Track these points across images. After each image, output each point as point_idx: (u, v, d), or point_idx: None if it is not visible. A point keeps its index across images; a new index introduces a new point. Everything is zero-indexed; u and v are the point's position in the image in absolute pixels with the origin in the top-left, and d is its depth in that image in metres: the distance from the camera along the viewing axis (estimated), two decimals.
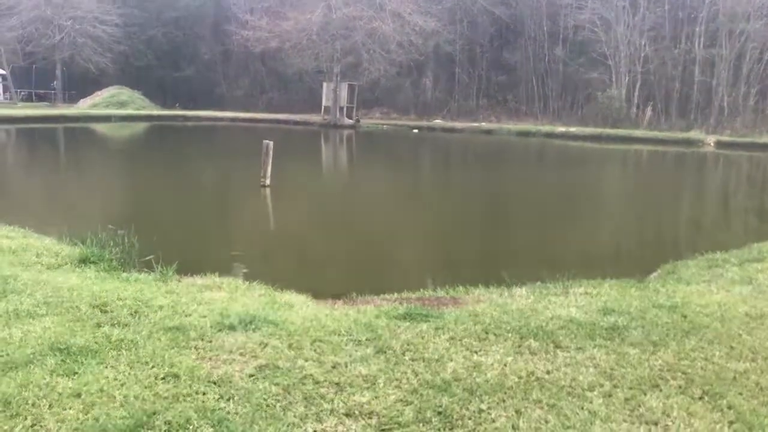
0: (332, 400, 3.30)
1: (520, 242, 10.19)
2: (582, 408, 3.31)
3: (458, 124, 41.03)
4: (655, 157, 29.01)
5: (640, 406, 3.37)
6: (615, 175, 22.55)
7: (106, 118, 37.74)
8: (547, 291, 5.75)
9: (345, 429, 3.03)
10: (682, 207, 15.03)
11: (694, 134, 34.45)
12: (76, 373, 3.46)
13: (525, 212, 13.38)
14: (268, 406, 3.21)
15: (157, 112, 43.28)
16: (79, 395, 3.20)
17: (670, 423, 3.20)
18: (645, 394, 3.50)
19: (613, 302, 5.20)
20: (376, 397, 3.34)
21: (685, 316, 4.81)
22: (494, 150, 31.13)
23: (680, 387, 3.62)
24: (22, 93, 47.71)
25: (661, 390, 3.56)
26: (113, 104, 43.15)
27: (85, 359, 3.64)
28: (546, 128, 37.96)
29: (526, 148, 32.08)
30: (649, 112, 39.51)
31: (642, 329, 4.50)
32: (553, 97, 44.36)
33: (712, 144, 32.18)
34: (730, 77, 37.75)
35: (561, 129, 37.28)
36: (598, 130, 35.55)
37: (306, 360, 3.80)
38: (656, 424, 3.19)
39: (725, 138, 33.10)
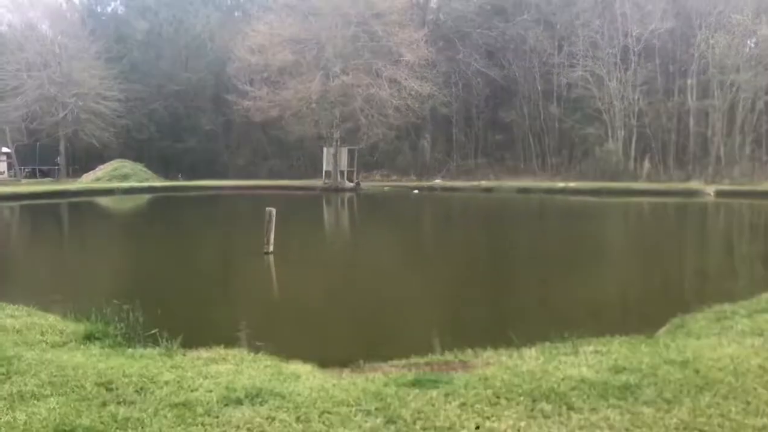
0: None
1: (527, 300, 10.13)
2: None
3: (458, 183, 41.32)
4: (657, 209, 29.09)
5: None
6: (618, 228, 22.57)
7: (109, 192, 38.07)
8: (557, 351, 5.68)
9: None
10: (687, 258, 14.98)
11: (693, 184, 34.65)
12: None
13: (530, 269, 13.33)
14: None
15: (159, 183, 43.67)
16: None
17: None
18: None
19: (624, 360, 5.13)
20: None
21: (697, 371, 4.74)
22: (495, 208, 31.26)
23: None
24: (26, 170, 48.25)
25: None
26: (116, 177, 43.56)
27: None
28: (545, 184, 38.19)
29: (527, 205, 32.22)
30: (647, 164, 39.86)
31: (655, 387, 4.43)
32: (550, 154, 44.82)
33: (712, 193, 32.31)
34: (725, 127, 38.23)
35: (560, 184, 37.50)
36: (598, 184, 35.76)
37: None
38: None
39: (725, 187, 33.26)
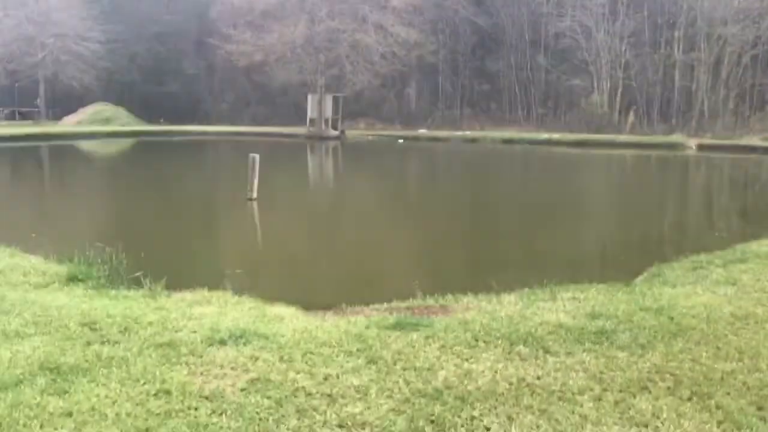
0: (325, 412, 3.31)
1: (507, 249, 10.25)
2: (573, 412, 3.35)
3: (443, 133, 41.16)
4: (639, 161, 29.27)
5: (630, 408, 3.41)
6: (599, 179, 22.73)
7: (91, 135, 37.55)
8: (536, 297, 5.79)
9: None
10: (666, 209, 15.17)
11: (676, 138, 34.78)
12: (67, 392, 3.45)
13: (511, 219, 13.45)
14: (260, 419, 3.21)
15: (142, 128, 43.14)
16: (70, 414, 3.19)
17: (660, 424, 3.24)
18: (634, 397, 3.54)
19: (601, 306, 5.25)
20: (368, 408, 3.36)
21: (671, 318, 4.87)
22: (479, 158, 31.28)
23: (669, 389, 3.66)
24: (5, 111, 47.38)
25: (650, 392, 3.61)
26: (98, 121, 42.96)
27: (76, 378, 3.63)
28: (530, 135, 38.16)
29: (511, 156, 32.26)
30: (631, 117, 39.90)
31: (630, 332, 4.55)
32: (536, 105, 44.71)
33: (694, 147, 32.49)
34: (710, 81, 38.24)
35: (545, 136, 37.48)
36: (582, 136, 35.79)
37: (297, 372, 3.81)
38: (646, 426, 3.23)
39: (707, 141, 33.42)
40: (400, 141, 39.31)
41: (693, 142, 33.18)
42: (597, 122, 39.38)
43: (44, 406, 3.26)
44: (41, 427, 3.07)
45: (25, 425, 3.07)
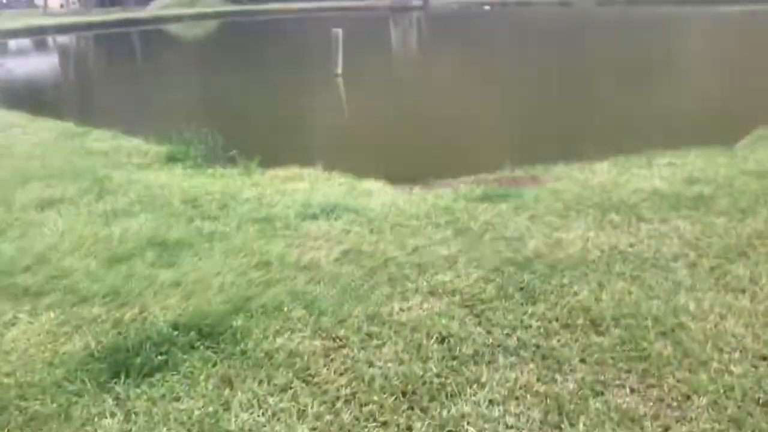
0: (416, 280, 3.40)
1: (602, 115, 9.86)
2: (666, 278, 3.30)
3: None
4: (745, 18, 26.93)
5: (726, 274, 3.32)
6: (704, 39, 21.17)
7: (178, 18, 37.90)
8: (630, 163, 5.61)
9: (430, 306, 3.13)
10: None
11: None
12: (175, 264, 3.68)
13: (607, 84, 12.84)
14: (355, 287, 3.34)
15: (226, 8, 43.09)
16: (179, 284, 3.42)
17: (758, 290, 3.15)
18: (732, 263, 3.44)
19: (699, 171, 5.04)
20: (458, 276, 3.42)
21: None
22: (572, 23, 29.63)
23: None
24: None
25: (748, 258, 3.50)
26: (183, 4, 43.18)
27: (182, 251, 3.86)
28: None
29: (607, 18, 30.34)
30: None
31: (729, 197, 4.37)
32: None
33: None
34: None
35: None
36: None
37: (388, 244, 3.91)
38: (743, 291, 3.15)
39: None
40: (486, 8, 37.65)
41: None
42: None
43: (155, 277, 3.50)
44: (154, 295, 3.30)
45: (139, 294, 3.32)
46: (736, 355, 2.63)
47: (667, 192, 4.55)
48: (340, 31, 13.08)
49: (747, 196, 4.37)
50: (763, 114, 8.53)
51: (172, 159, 6.73)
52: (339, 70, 13.28)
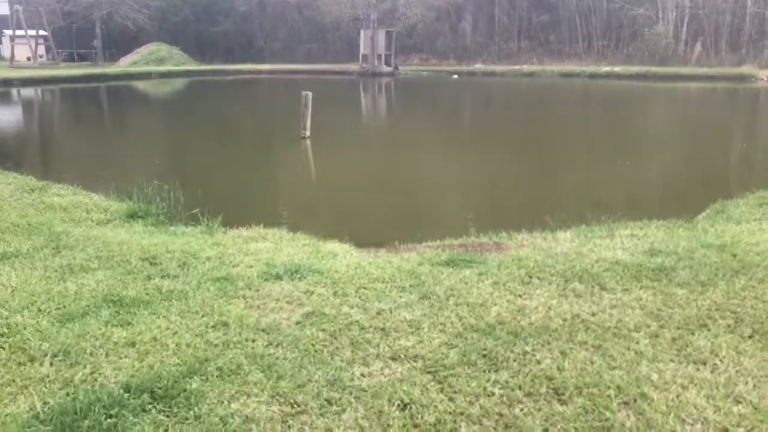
0: (378, 345, 3.34)
1: (564, 185, 10.06)
2: (628, 348, 3.29)
3: (499, 68, 40.25)
4: (705, 94, 28.09)
5: (687, 345, 3.33)
6: (662, 113, 21.94)
7: (147, 75, 38.07)
8: (592, 234, 5.68)
9: (391, 372, 3.07)
10: (732, 145, 14.57)
11: (746, 69, 33.18)
12: (130, 323, 3.57)
13: (569, 154, 13.15)
14: (315, 351, 3.27)
15: (196, 67, 43.49)
16: (133, 344, 3.31)
17: (718, 362, 3.16)
18: (693, 334, 3.46)
19: (660, 243, 5.12)
20: (420, 341, 3.37)
21: (734, 255, 4.71)
22: (537, 93, 30.52)
23: (729, 326, 3.56)
24: (64, 53, 48.33)
25: (709, 329, 3.52)
26: (152, 61, 43.47)
27: (138, 310, 3.75)
28: (590, 69, 36.97)
29: (570, 90, 31.36)
30: (698, 48, 38.17)
31: (690, 269, 4.43)
32: (597, 36, 43.09)
33: (765, 79, 30.95)
34: None
35: (606, 69, 36.29)
36: (645, 69, 34.54)
37: (351, 307, 3.85)
38: (704, 363, 3.16)
39: None
40: (455, 77, 38.62)
41: (764, 74, 31.58)
42: (661, 54, 37.88)
43: (109, 336, 3.39)
44: (106, 355, 3.19)
45: (91, 354, 3.20)
46: (698, 426, 2.61)
47: (629, 263, 4.59)
48: (309, 93, 13.23)
49: (707, 269, 4.43)
50: (722, 187, 8.81)
51: (132, 216, 6.63)
52: (307, 132, 13.38)
